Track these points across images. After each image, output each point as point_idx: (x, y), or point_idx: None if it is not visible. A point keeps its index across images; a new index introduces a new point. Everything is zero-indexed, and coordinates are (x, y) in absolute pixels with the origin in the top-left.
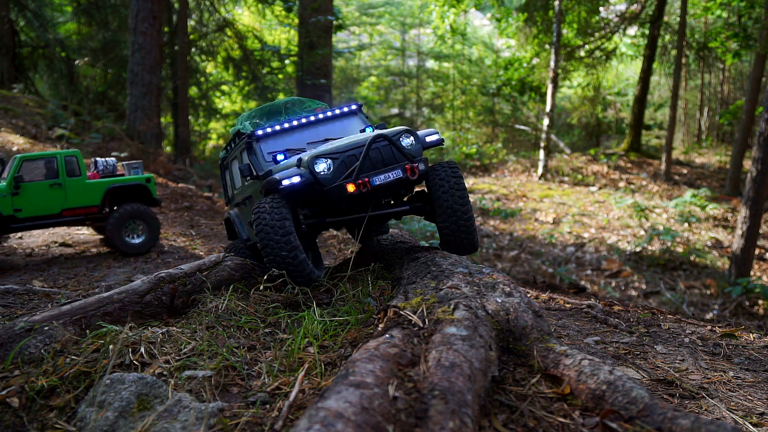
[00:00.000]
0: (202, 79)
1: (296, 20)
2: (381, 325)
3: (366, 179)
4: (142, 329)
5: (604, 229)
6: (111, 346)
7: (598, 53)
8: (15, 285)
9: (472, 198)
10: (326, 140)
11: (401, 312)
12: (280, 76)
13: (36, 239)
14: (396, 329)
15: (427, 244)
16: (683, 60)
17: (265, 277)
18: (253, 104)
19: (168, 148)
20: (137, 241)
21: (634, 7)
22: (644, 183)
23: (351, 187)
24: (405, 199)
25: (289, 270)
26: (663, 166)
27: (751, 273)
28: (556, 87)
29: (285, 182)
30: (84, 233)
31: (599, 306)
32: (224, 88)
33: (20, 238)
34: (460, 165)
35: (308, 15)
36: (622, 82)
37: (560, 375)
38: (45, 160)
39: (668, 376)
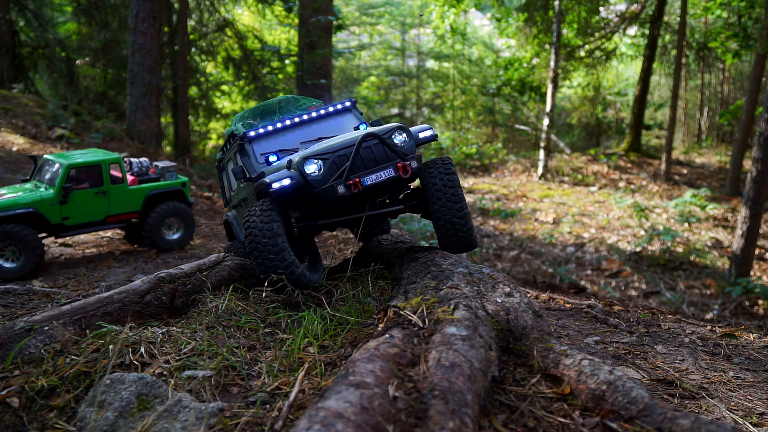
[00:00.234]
0: (202, 79)
1: (296, 20)
2: (381, 325)
3: (357, 179)
4: (142, 329)
5: (604, 229)
6: (111, 346)
7: (598, 53)
8: (15, 285)
9: (471, 198)
10: (319, 139)
11: (401, 312)
12: (280, 76)
13: None
14: (396, 329)
15: (427, 244)
16: (683, 60)
17: (266, 283)
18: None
19: (168, 148)
20: (175, 236)
21: (634, 7)
22: (644, 183)
23: (342, 189)
24: (401, 197)
25: (277, 273)
26: (663, 166)
27: (751, 273)
28: (556, 87)
29: (275, 185)
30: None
31: (599, 306)
32: (224, 88)
33: None
34: (461, 165)
35: (308, 15)
36: (622, 82)
37: (560, 375)
38: (90, 168)
39: (668, 376)
